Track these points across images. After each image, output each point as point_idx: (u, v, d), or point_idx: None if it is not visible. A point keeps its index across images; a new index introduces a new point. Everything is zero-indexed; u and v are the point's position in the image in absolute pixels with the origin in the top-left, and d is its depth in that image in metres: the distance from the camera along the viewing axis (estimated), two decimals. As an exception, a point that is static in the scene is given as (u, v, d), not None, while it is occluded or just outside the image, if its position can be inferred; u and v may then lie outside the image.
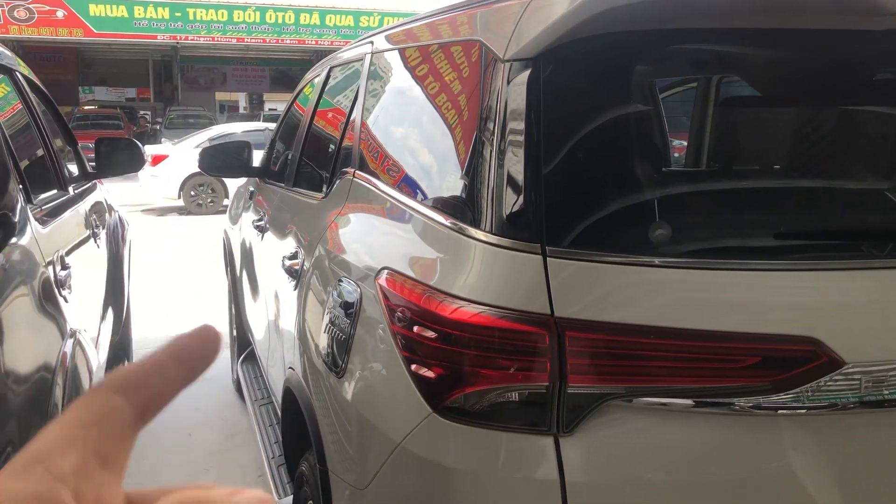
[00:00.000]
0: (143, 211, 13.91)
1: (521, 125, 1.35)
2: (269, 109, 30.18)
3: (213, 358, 0.40)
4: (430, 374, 1.33)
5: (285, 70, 32.13)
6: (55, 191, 2.77)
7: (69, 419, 0.34)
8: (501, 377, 1.26)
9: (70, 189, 2.99)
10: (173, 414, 4.33)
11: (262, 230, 3.20)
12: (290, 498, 2.48)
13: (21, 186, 2.04)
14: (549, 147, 1.33)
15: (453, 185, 1.54)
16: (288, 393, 2.21)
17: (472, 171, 1.44)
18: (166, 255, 9.21)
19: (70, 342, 1.92)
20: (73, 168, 3.56)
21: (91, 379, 2.00)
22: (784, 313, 1.27)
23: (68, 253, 2.33)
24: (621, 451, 1.25)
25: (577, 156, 1.36)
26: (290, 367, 2.24)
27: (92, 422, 0.34)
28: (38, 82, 3.26)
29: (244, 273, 3.92)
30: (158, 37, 23.81)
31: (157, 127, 24.89)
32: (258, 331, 3.57)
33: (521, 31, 1.42)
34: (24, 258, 1.80)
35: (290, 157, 3.35)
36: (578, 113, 1.39)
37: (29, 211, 2.00)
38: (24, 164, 2.31)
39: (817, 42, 1.50)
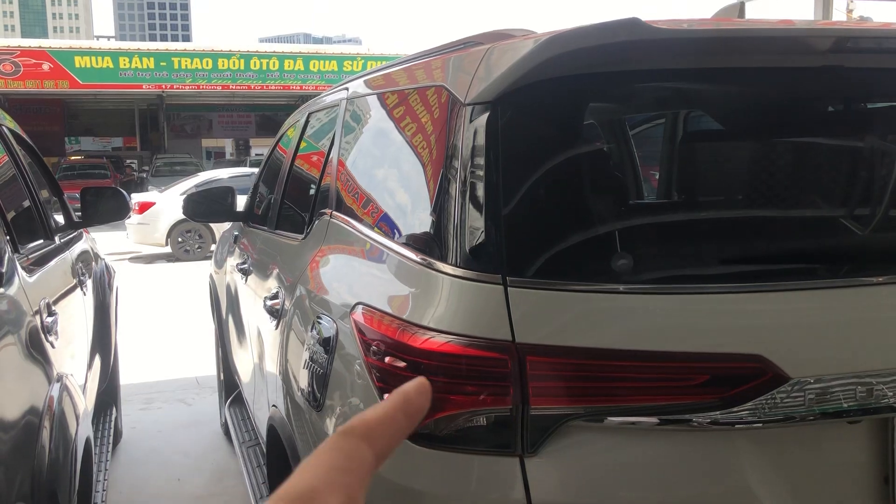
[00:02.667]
0: (130, 259, 13.95)
1: (481, 164, 1.43)
2: (256, 154, 30.34)
3: (427, 408, 0.43)
4: (401, 402, 1.39)
5: (271, 115, 32.39)
6: (41, 240, 2.83)
7: (325, 462, 0.37)
8: (469, 402, 1.32)
9: (56, 238, 3.06)
10: (162, 460, 4.36)
11: (245, 273, 3.26)
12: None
13: (8, 237, 2.10)
14: (509, 184, 1.41)
15: (422, 222, 1.61)
16: (272, 431, 2.26)
17: (439, 209, 1.52)
18: (154, 303, 9.23)
19: (57, 386, 1.97)
20: (60, 218, 3.63)
21: (78, 423, 2.05)
22: (734, 334, 1.35)
23: (55, 301, 2.39)
24: (585, 470, 1.31)
25: (536, 192, 1.44)
26: (273, 406, 2.29)
27: (347, 468, 0.37)
28: (23, 135, 3.34)
29: (230, 316, 3.97)
30: (144, 86, 24.06)
31: (144, 175, 25.01)
32: (244, 373, 3.61)
33: (481, 76, 1.51)
34: (12, 306, 1.85)
35: (272, 201, 3.43)
36: (536, 151, 1.48)
37: (16, 260, 2.06)
38: (10, 214, 2.37)
39: (765, 79, 1.59)
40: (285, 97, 28.04)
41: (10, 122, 3.11)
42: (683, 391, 1.32)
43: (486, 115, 1.46)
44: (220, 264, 4.47)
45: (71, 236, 3.53)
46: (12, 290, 1.92)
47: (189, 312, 8.63)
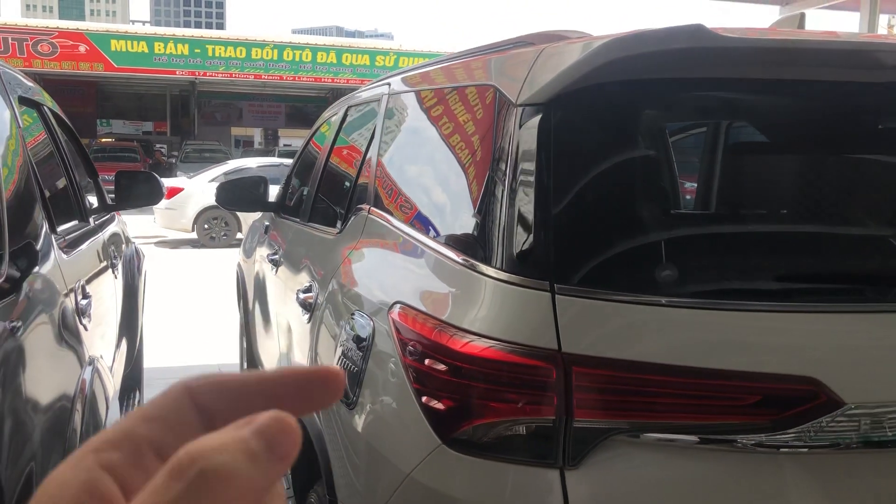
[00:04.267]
0: (156, 243, 14.04)
1: (531, 167, 1.40)
2: (284, 145, 30.50)
3: (332, 399, 0.38)
4: (439, 406, 1.37)
5: (301, 107, 32.54)
6: (77, 221, 2.84)
7: (133, 414, 0.34)
8: (509, 410, 1.30)
9: (91, 220, 3.06)
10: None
11: (276, 264, 3.25)
12: (298, 530, 2.49)
13: (46, 216, 2.10)
14: (559, 188, 1.38)
15: (466, 223, 1.59)
16: (300, 425, 2.24)
17: (484, 210, 1.49)
18: (178, 288, 9.29)
19: (89, 370, 1.97)
20: (93, 199, 3.64)
21: (108, 406, 2.04)
22: (785, 354, 1.31)
23: (88, 282, 2.39)
24: (626, 485, 1.28)
25: (585, 197, 1.41)
26: (301, 399, 2.27)
27: (153, 416, 0.34)
28: (62, 115, 3.35)
29: (257, 306, 3.97)
30: (177, 72, 24.23)
31: (173, 160, 25.20)
32: (270, 364, 3.61)
33: (534, 78, 1.48)
34: (47, 287, 1.85)
35: (305, 193, 3.42)
36: (588, 156, 1.45)
37: (53, 240, 2.06)
38: (48, 194, 2.38)
39: (823, 92, 1.55)
40: (316, 89, 28.14)
41: (50, 102, 3.12)
42: (732, 411, 1.29)
43: (538, 117, 1.43)
44: (248, 253, 4.47)
45: (104, 219, 3.55)
46: (48, 270, 1.92)
47: (212, 299, 8.67)
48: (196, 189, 13.71)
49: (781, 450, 1.29)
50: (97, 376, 2.01)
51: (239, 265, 4.83)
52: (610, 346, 1.28)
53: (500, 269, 1.38)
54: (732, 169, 1.57)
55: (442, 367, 1.37)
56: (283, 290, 2.98)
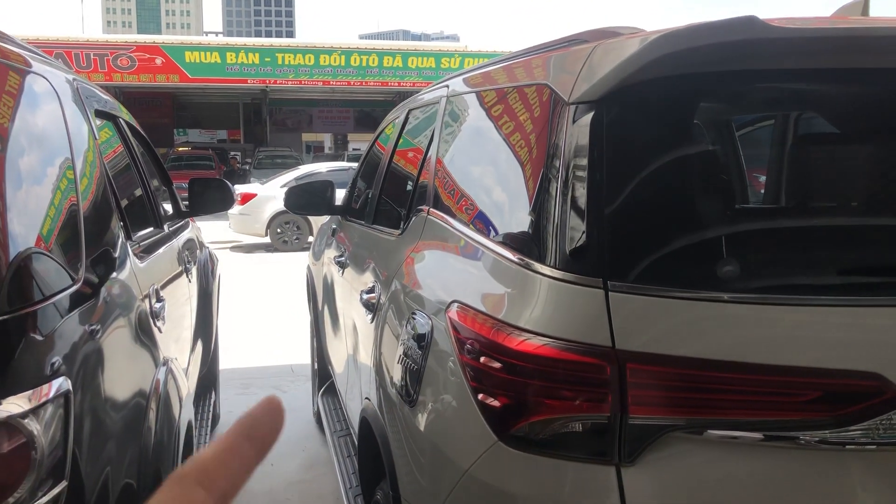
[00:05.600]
0: (231, 248, 14.44)
1: (584, 165, 1.41)
2: (353, 149, 30.96)
3: (280, 430, 0.41)
4: (495, 403, 1.38)
5: (369, 111, 32.95)
6: (151, 228, 2.96)
7: None
8: (564, 407, 1.30)
9: (165, 227, 3.19)
10: (257, 444, 4.49)
11: (342, 266, 3.32)
12: (367, 527, 2.54)
13: (122, 224, 2.20)
14: (612, 186, 1.38)
15: (521, 222, 1.60)
16: (364, 423, 2.29)
17: (539, 209, 1.50)
18: (252, 291, 9.53)
19: (163, 370, 2.05)
20: (168, 207, 3.79)
21: (181, 406, 2.13)
22: (848, 349, 1.28)
23: (163, 286, 2.49)
24: (684, 483, 1.27)
25: (639, 194, 1.41)
26: (366, 398, 2.32)
27: None
28: (137, 126, 3.50)
29: (325, 308, 4.06)
30: (249, 81, 24.84)
31: (247, 167, 25.86)
32: (338, 364, 3.68)
33: (586, 75, 1.48)
34: (124, 291, 1.94)
35: (370, 196, 3.48)
36: (641, 152, 1.44)
37: (129, 247, 2.15)
38: (124, 203, 2.49)
39: (889, 81, 1.50)
40: (383, 93, 28.45)
41: (125, 115, 3.26)
42: (792, 407, 1.26)
43: (590, 115, 1.43)
44: (317, 256, 4.57)
45: (178, 225, 3.68)
46: (124, 276, 2.01)
47: (285, 302, 8.87)
48: (269, 194, 14.03)
49: (847, 447, 1.27)
50: (171, 377, 2.10)
51: (308, 268, 4.94)
52: (666, 342, 1.27)
53: (555, 267, 1.39)
54: (792, 161, 1.54)
55: (498, 364, 1.39)
56: (349, 292, 3.05)
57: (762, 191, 1.75)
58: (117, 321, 1.78)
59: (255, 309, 8.42)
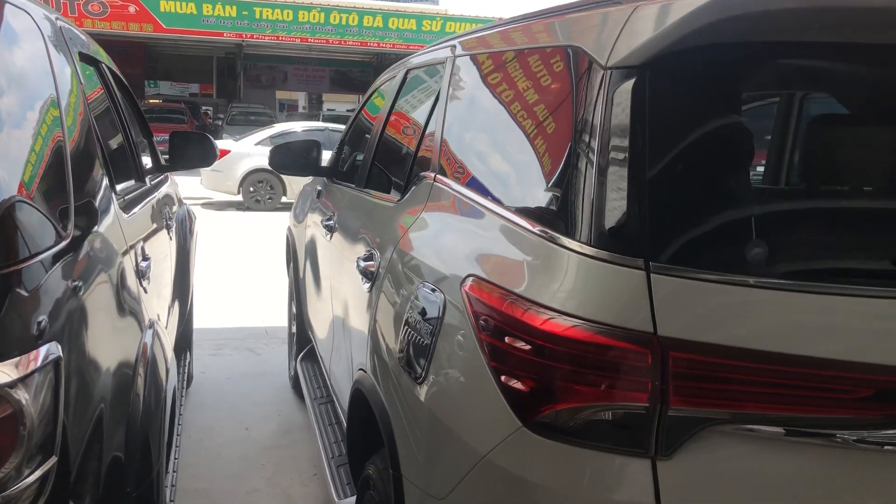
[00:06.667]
0: (202, 205, 14.16)
1: (624, 135, 1.31)
2: (328, 110, 30.52)
3: None
4: (520, 386, 1.29)
5: (345, 71, 32.48)
6: (133, 181, 2.81)
7: None
8: (598, 395, 1.22)
9: (147, 180, 3.04)
10: (230, 407, 4.39)
11: (330, 230, 3.20)
12: (353, 500, 2.46)
13: (107, 176, 2.06)
14: (655, 158, 1.29)
15: (547, 194, 1.50)
16: (357, 394, 2.19)
17: (568, 181, 1.40)
18: (224, 250, 9.35)
19: (149, 333, 1.94)
20: (147, 160, 3.62)
21: (167, 369, 2.01)
22: None
23: (147, 244, 2.36)
24: (722, 479, 1.20)
25: (683, 169, 1.31)
26: (360, 369, 2.22)
27: None
28: (119, 74, 3.32)
29: (308, 272, 3.94)
30: (225, 34, 24.26)
31: (219, 122, 25.36)
32: (321, 330, 3.58)
33: (627, 38, 1.38)
34: (111, 248, 1.81)
35: (361, 159, 3.36)
36: (686, 123, 1.34)
37: (115, 201, 2.02)
38: (107, 153, 2.34)
39: None
40: (361, 54, 28.02)
41: (107, 60, 3.09)
42: (843, 404, 1.19)
43: (631, 81, 1.33)
44: (299, 218, 4.43)
45: (158, 179, 3.52)
46: (112, 232, 1.88)
47: (258, 262, 8.72)
48: (243, 151, 13.77)
49: (885, 447, 1.20)
50: (157, 339, 1.98)
51: (289, 229, 4.81)
52: (711, 330, 1.19)
53: (590, 244, 1.29)
54: (846, 140, 1.44)
55: (524, 345, 1.29)
56: (339, 258, 2.93)
57: (811, 171, 1.61)
58: (105, 281, 1.65)
59: (227, 268, 8.26)
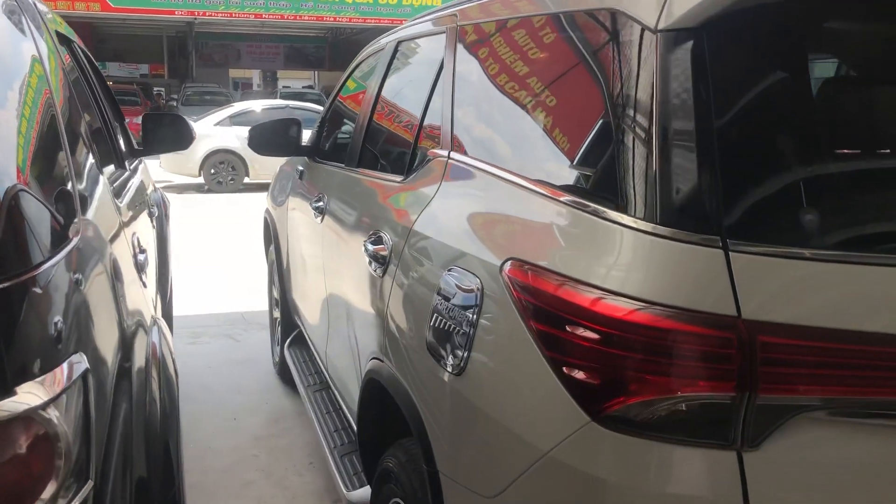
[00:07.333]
0: (163, 187, 13.80)
1: (686, 105, 1.21)
2: (284, 87, 29.98)
3: None
4: (587, 378, 1.20)
5: (300, 47, 31.94)
6: (113, 167, 2.65)
7: None
8: (678, 386, 1.13)
9: (126, 165, 2.88)
10: (215, 398, 4.25)
11: (321, 212, 3.07)
12: (365, 491, 2.37)
13: (96, 163, 1.92)
14: (723, 128, 1.20)
15: (597, 169, 1.39)
16: (373, 384, 2.09)
17: (622, 155, 1.30)
18: (191, 234, 9.11)
19: (155, 331, 1.80)
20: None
21: (175, 370, 1.88)
22: None
23: (139, 234, 2.21)
24: (811, 467, 1.13)
25: (753, 138, 1.23)
26: (374, 358, 2.12)
27: None
28: (90, 54, 3.14)
29: (294, 256, 3.80)
30: (176, 12, 23.59)
31: (173, 103, 24.75)
32: (311, 314, 3.46)
33: (678, 0, 1.28)
34: (113, 242, 1.67)
35: (349, 137, 3.22)
36: (755, 88, 1.25)
37: (109, 190, 1.88)
38: (92, 138, 2.19)
39: None
40: (316, 29, 27.49)
41: (78, 40, 2.90)
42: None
43: (688, 45, 1.24)
44: (279, 200, 4.28)
45: (135, 164, 3.35)
46: (111, 225, 1.74)
47: (228, 246, 8.52)
48: (202, 133, 13.40)
49: None
50: (163, 337, 1.85)
51: (268, 211, 4.64)
52: (799, 310, 1.11)
53: (655, 221, 1.20)
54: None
55: (589, 333, 1.20)
56: (335, 240, 2.81)
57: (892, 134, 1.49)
58: (111, 279, 1.52)
59: (197, 253, 8.04)
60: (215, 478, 3.40)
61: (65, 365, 1.01)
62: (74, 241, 1.25)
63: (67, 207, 1.33)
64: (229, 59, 32.29)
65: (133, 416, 1.36)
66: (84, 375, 1.05)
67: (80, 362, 1.06)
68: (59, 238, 1.20)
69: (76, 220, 1.34)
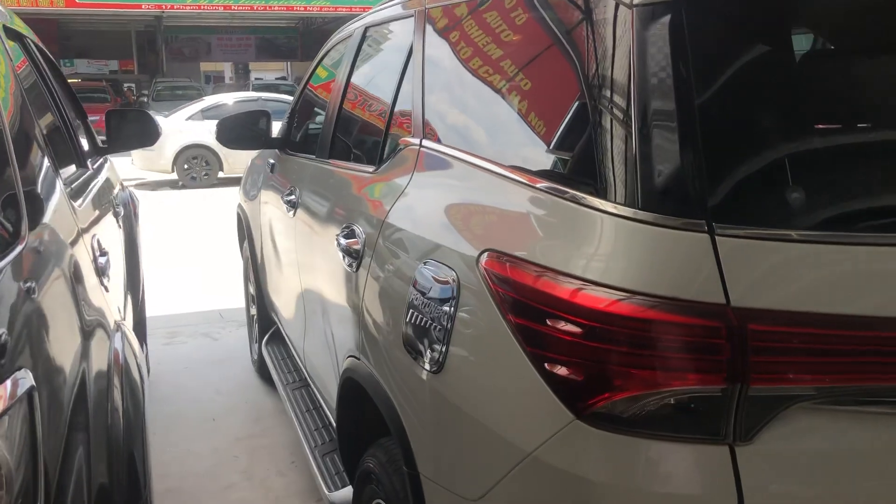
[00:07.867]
0: (136, 185, 13.60)
1: (665, 83, 1.15)
2: (256, 79, 29.65)
3: None
4: (570, 374, 1.14)
5: (271, 39, 31.60)
6: (74, 167, 2.55)
7: None
8: (664, 379, 1.08)
9: (89, 164, 2.78)
10: (193, 398, 4.16)
11: (293, 205, 2.99)
12: (347, 491, 2.31)
13: (52, 164, 1.83)
14: (704, 107, 1.14)
15: (573, 153, 1.33)
16: (350, 383, 2.02)
17: (599, 138, 1.24)
18: (164, 231, 8.96)
19: (118, 336, 1.72)
20: (83, 142, 3.33)
21: (141, 376, 1.80)
22: None
23: (100, 236, 2.12)
24: (806, 459, 1.08)
25: (736, 116, 1.17)
26: (350, 356, 2.05)
27: None
28: (46, 50, 3.02)
29: (268, 251, 3.72)
30: (143, 6, 23.22)
31: (144, 99, 24.40)
32: (286, 310, 3.39)
33: None
34: (68, 247, 1.59)
35: (319, 128, 3.14)
36: (737, 64, 1.19)
37: (65, 191, 1.79)
38: (46, 136, 2.09)
39: None
40: (286, 19, 27.19)
41: (32, 35, 2.79)
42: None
43: (666, 18, 1.17)
44: (251, 194, 4.19)
45: (98, 163, 3.25)
46: (66, 228, 1.65)
47: (203, 242, 8.39)
48: (174, 128, 13.23)
49: None
50: (127, 343, 1.77)
51: (240, 206, 4.55)
52: (790, 296, 1.05)
53: (636, 207, 1.14)
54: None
55: (570, 328, 1.14)
56: (307, 234, 2.74)
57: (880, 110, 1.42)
58: (65, 285, 1.44)
59: (171, 251, 7.90)
60: (195, 482, 3.32)
61: (8, 382, 0.94)
62: (19, 248, 1.17)
63: (12, 213, 1.24)
64: (200, 53, 31.89)
65: (93, 429, 1.28)
66: (30, 393, 0.97)
67: (25, 378, 0.98)
68: (2, 245, 1.12)
69: (23, 225, 1.26)
